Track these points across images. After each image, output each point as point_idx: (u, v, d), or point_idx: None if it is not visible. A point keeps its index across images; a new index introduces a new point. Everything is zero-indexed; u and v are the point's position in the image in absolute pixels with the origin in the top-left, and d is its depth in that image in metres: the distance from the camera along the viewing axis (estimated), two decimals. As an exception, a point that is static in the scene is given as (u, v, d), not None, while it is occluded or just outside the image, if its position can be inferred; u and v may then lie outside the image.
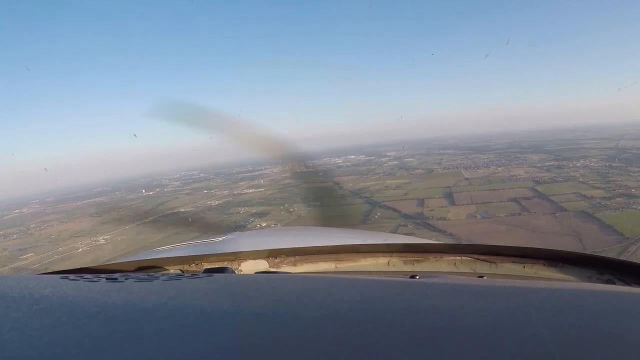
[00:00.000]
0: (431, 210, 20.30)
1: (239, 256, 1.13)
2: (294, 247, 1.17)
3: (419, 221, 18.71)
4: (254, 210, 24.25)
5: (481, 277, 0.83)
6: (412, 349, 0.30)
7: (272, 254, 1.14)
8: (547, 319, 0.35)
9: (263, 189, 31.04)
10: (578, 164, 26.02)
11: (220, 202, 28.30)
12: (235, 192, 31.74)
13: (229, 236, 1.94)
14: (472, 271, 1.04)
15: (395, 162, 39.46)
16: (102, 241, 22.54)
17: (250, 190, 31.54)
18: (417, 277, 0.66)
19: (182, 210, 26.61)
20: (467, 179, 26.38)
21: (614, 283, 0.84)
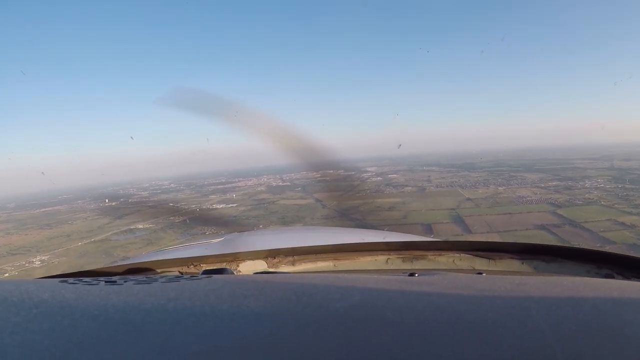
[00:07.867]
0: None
1: (238, 257, 1.15)
2: (292, 246, 1.19)
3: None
4: (223, 232, 20.73)
5: (480, 273, 0.83)
6: (413, 347, 0.30)
7: (270, 254, 1.16)
8: (547, 314, 0.35)
9: (235, 205, 27.90)
10: (586, 185, 24.28)
11: (185, 218, 25.10)
12: (204, 206, 28.57)
13: (227, 237, 1.98)
14: (471, 268, 1.06)
15: (378, 178, 37.11)
16: (37, 263, 19.42)
17: (221, 206, 28.28)
18: (416, 274, 0.67)
19: (140, 227, 22.91)
20: (469, 199, 24.00)
21: (613, 277, 0.86)
